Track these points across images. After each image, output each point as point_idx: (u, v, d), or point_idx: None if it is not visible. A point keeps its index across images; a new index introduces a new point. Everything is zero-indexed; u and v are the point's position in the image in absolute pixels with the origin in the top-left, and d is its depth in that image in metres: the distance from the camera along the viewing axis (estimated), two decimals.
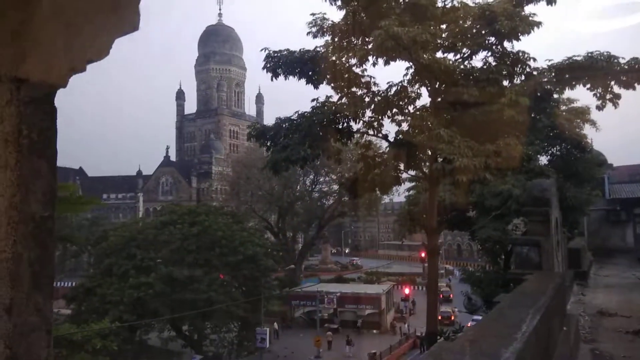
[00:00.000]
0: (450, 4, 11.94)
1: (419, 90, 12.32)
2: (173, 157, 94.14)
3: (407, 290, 50.90)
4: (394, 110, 12.36)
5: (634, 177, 31.19)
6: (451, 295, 49.00)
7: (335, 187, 50.07)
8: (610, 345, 8.83)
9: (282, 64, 12.70)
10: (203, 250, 27.84)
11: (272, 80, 12.96)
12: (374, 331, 39.25)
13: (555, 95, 13.95)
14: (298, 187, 53.64)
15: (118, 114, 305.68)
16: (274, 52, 12.81)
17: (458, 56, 12.38)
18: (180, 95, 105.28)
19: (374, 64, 11.93)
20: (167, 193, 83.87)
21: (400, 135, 12.33)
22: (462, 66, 12.21)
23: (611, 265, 19.97)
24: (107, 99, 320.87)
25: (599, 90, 11.22)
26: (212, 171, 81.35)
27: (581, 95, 19.01)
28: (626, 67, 10.81)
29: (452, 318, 37.39)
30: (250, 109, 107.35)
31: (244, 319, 28.34)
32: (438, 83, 12.14)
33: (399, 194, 36.50)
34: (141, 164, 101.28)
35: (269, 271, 31.88)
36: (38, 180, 1.13)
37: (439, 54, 11.95)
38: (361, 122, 12.90)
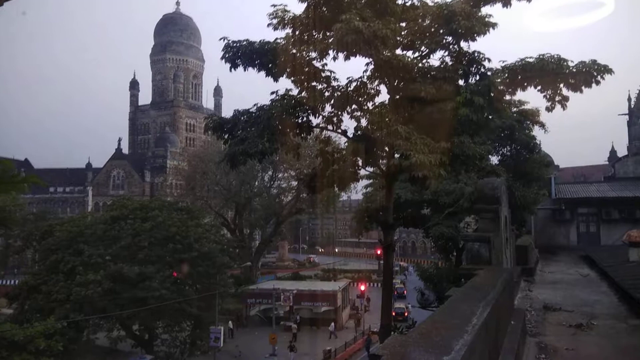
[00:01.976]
0: (410, 2, 12.06)
1: (378, 87, 12.38)
2: (125, 150, 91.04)
3: (362, 287, 51.53)
4: (354, 106, 12.37)
5: (578, 178, 32.88)
6: (405, 292, 50.06)
7: (294, 183, 50.01)
8: (555, 338, 9.18)
9: (241, 54, 12.45)
10: (156, 246, 27.01)
11: (230, 70, 12.68)
12: (330, 328, 39.45)
13: (508, 97, 14.40)
14: (256, 183, 53.15)
15: (67, 103, 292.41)
16: (233, 42, 12.53)
17: (416, 54, 12.52)
18: (134, 85, 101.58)
19: (335, 59, 11.88)
20: (119, 187, 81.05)
21: (359, 131, 12.36)
22: (420, 64, 12.36)
23: (556, 262, 20.91)
24: (56, 88, 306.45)
25: (548, 92, 11.66)
26: (166, 165, 79.28)
27: (532, 97, 19.81)
28: (574, 70, 11.29)
29: (406, 314, 38.17)
30: (208, 102, 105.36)
31: (198, 318, 27.73)
32: (397, 80, 12.23)
33: (357, 192, 36.90)
34: (91, 157, 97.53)
35: (224, 268, 31.36)
36: None
37: (398, 51, 12.05)
38: (321, 116, 12.85)
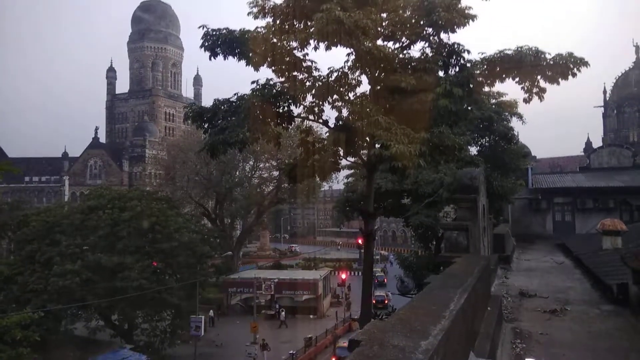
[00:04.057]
0: None
1: (359, 78, 12.39)
2: (103, 139, 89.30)
3: (343, 276, 51.98)
4: (335, 96, 12.36)
5: (555, 169, 33.59)
6: (385, 280, 50.69)
7: (275, 173, 49.83)
8: (530, 324, 9.46)
9: (221, 43, 12.29)
10: (135, 236, 26.74)
11: (210, 59, 12.53)
12: (311, 316, 39.79)
13: (487, 88, 14.59)
14: (237, 172, 52.78)
15: (42, 90, 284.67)
16: (213, 30, 12.37)
17: (397, 45, 12.55)
18: (111, 73, 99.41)
19: (316, 48, 11.84)
20: (96, 176, 79.59)
21: (340, 121, 12.38)
22: (400, 55, 12.41)
23: (532, 251, 21.41)
24: (30, 74, 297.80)
25: (526, 84, 11.85)
26: (145, 154, 78.09)
27: (510, 88, 20.11)
28: (551, 62, 11.48)
29: (386, 302, 38.69)
30: (187, 91, 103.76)
31: (178, 307, 27.64)
32: (378, 71, 12.26)
33: (338, 182, 37.09)
34: (67, 146, 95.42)
35: (205, 258, 31.25)
36: None
37: (379, 42, 12.07)
38: (302, 106, 12.82)
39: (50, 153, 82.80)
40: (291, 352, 29.22)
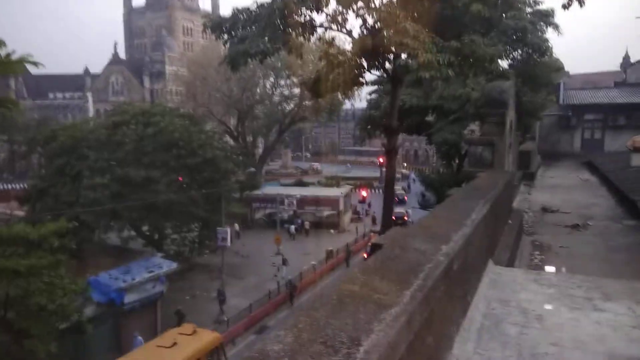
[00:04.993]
0: None
1: None
2: (122, 55, 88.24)
3: (364, 193, 52.73)
4: (359, 2, 11.64)
5: (588, 85, 32.01)
6: (406, 198, 51.33)
7: (297, 90, 48.98)
8: (550, 237, 9.50)
9: None
10: (159, 152, 27.14)
11: None
12: (332, 231, 41.07)
13: None
14: (258, 89, 52.10)
15: (58, 5, 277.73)
16: None
17: None
18: None
19: None
20: (118, 93, 79.81)
21: (366, 30, 11.75)
22: None
23: (558, 168, 21.08)
24: None
25: None
26: (165, 71, 77.36)
27: None
28: None
29: (405, 218, 39.44)
30: (204, 4, 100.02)
31: (205, 220, 28.70)
32: None
33: (360, 100, 36.33)
34: (87, 62, 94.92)
35: (228, 174, 31.83)
36: None
37: None
38: (325, 15, 12.16)
39: (69, 70, 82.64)
40: (312, 262, 30.55)
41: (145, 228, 29.09)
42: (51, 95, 77.04)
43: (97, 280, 19.86)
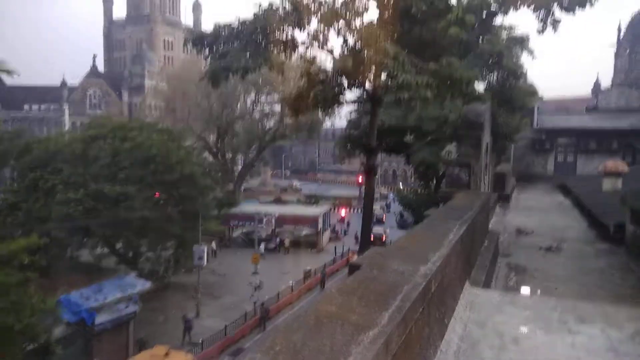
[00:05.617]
0: None
1: (367, 3, 11.76)
2: (101, 68, 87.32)
3: (343, 212, 52.78)
4: (341, 22, 11.82)
5: (561, 110, 32.98)
6: (384, 217, 51.54)
7: (277, 107, 49.15)
8: (525, 259, 9.61)
9: None
10: (136, 167, 26.69)
11: None
12: (310, 250, 40.82)
13: (500, 18, 13.92)
14: (238, 105, 52.06)
15: (36, 15, 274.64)
16: None
17: None
18: None
19: None
20: (96, 106, 78.63)
21: (346, 50, 11.92)
22: None
23: (532, 190, 21.50)
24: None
25: (541, 12, 11.27)
26: (145, 85, 76.70)
27: (521, 20, 19.19)
28: None
29: (384, 238, 39.50)
30: (186, 19, 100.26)
31: (181, 238, 28.20)
32: None
33: (340, 118, 36.62)
34: (65, 74, 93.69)
35: (206, 191, 31.46)
36: None
37: None
38: (306, 33, 12.29)
39: (47, 82, 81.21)
40: (290, 282, 30.22)
41: (119, 245, 28.39)
42: (26, 107, 75.42)
43: (67, 299, 19.20)
